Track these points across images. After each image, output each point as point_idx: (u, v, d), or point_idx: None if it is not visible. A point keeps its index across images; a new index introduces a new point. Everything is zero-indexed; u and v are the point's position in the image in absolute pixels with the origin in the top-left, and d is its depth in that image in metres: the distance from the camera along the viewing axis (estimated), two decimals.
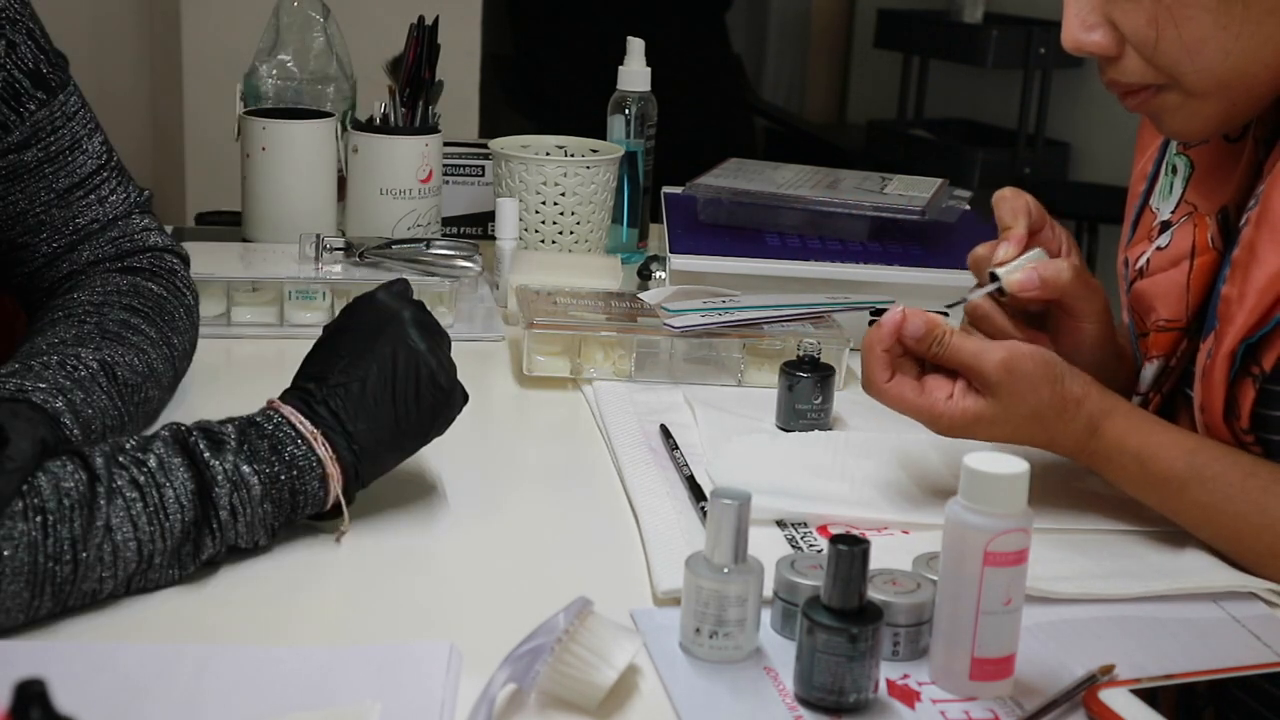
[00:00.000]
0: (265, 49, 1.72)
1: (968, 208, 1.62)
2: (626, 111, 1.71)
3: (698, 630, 0.84)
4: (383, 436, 0.96)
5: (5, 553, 0.81)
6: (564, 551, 1.00)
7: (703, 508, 1.02)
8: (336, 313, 1.01)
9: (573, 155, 1.67)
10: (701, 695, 0.82)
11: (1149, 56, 0.97)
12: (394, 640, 0.85)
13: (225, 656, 0.82)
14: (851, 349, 1.28)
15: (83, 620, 0.85)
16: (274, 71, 1.70)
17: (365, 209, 1.58)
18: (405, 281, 1.03)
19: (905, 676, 0.84)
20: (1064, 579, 0.95)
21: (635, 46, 1.72)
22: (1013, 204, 1.09)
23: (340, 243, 1.47)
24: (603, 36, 2.43)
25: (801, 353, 1.20)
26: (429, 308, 1.03)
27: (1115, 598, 0.94)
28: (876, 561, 0.82)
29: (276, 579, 0.92)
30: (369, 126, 1.58)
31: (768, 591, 0.88)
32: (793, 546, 0.99)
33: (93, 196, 1.16)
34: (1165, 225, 1.09)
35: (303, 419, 0.94)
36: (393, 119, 1.59)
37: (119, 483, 0.86)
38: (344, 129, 1.64)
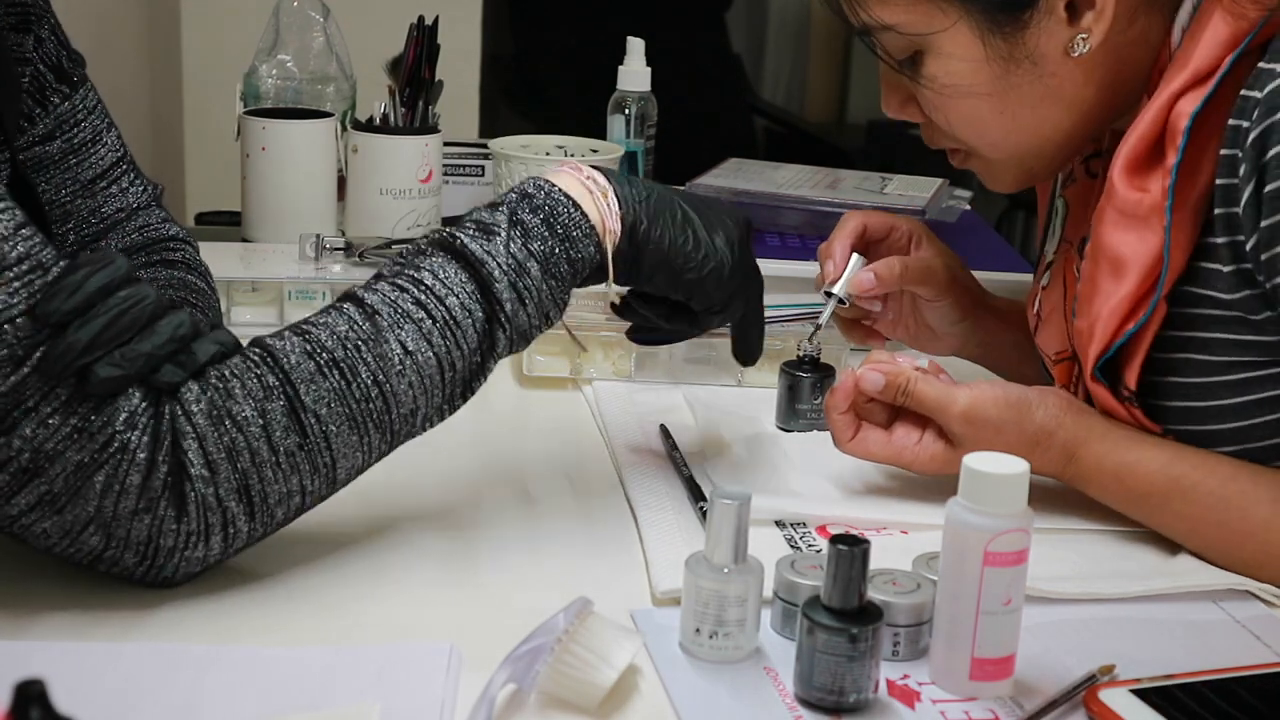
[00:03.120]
0: (265, 49, 1.72)
1: (968, 208, 1.62)
2: (626, 111, 1.71)
3: (698, 630, 0.84)
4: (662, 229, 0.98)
5: (322, 411, 0.86)
6: (564, 552, 1.00)
7: (702, 508, 1.02)
8: None
9: (573, 155, 1.67)
10: (701, 695, 0.82)
11: (945, 131, 1.04)
12: (394, 640, 0.86)
13: (225, 656, 0.82)
14: (851, 349, 1.28)
15: (83, 620, 0.86)
16: (274, 71, 1.70)
17: (365, 209, 1.58)
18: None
19: (905, 676, 0.84)
20: (1064, 579, 0.95)
21: (635, 46, 1.72)
22: (842, 227, 1.16)
23: (340, 243, 1.47)
24: (603, 36, 2.43)
25: (801, 353, 1.20)
26: None
27: (1115, 598, 0.94)
28: (876, 561, 0.82)
29: (276, 579, 0.92)
30: (369, 126, 1.58)
31: (768, 591, 0.88)
32: (792, 546, 0.99)
33: (114, 188, 1.19)
34: (1050, 265, 1.14)
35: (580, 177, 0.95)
36: (393, 119, 1.59)
37: (404, 306, 0.89)
38: (344, 129, 1.64)
